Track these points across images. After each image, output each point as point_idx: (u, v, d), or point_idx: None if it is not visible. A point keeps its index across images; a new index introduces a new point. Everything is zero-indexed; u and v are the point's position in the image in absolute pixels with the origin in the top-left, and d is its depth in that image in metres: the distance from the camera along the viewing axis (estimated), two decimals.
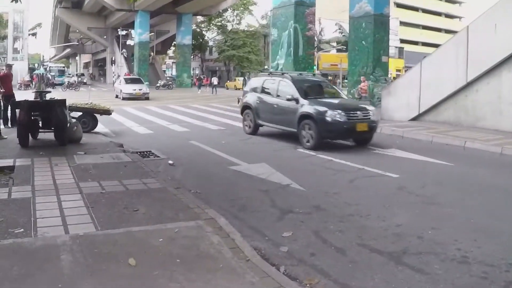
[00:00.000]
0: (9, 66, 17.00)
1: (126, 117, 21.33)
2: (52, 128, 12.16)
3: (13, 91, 15.92)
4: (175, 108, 28.04)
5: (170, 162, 10.92)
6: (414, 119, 19.93)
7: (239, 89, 62.02)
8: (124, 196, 7.19)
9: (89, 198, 7.00)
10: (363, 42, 27.53)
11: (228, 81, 71.83)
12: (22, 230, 5.61)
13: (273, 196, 8.31)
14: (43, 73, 16.53)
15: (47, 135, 12.61)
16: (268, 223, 6.78)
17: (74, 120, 13.34)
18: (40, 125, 12.43)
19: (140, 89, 36.57)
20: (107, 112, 16.26)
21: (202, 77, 60.30)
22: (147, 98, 36.00)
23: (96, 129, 15.76)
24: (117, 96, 37.66)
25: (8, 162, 9.61)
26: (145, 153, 12.10)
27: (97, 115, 15.88)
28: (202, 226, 5.93)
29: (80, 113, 15.43)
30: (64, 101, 12.88)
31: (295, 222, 6.87)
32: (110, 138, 14.30)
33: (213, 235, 5.61)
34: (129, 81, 39.21)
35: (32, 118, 12.00)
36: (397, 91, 21.16)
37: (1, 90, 14.98)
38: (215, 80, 54.40)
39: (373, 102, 21.74)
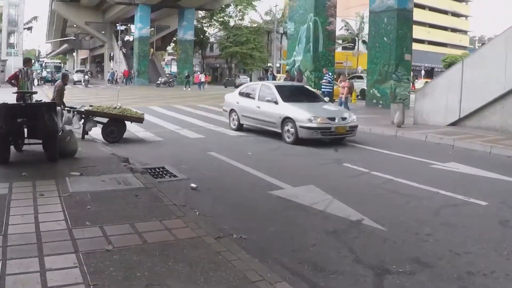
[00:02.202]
0: (27, 61, 13.91)
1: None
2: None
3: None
4: (181, 108, 25.46)
5: (193, 185, 8.42)
6: (453, 124, 17.69)
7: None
8: (143, 258, 4.64)
9: (89, 263, 4.45)
10: (384, 38, 25.50)
11: None
12: None
13: (349, 241, 5.98)
14: (27, 69, 13.92)
15: (36, 146, 9.99)
16: None
17: (68, 128, 10.79)
18: (26, 134, 9.81)
19: (343, 118, 14.31)
20: (139, 119, 13.90)
21: (192, 73, 58.19)
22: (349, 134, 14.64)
23: (94, 136, 13.39)
24: (240, 127, 16.59)
25: None
26: (158, 171, 9.63)
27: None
28: None
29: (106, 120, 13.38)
30: (54, 104, 10.24)
31: None
32: (111, 149, 11.71)
33: None
34: (296, 93, 16.31)
35: (14, 126, 9.37)
36: (434, 93, 18.79)
37: (17, 90, 12.27)
38: (202, 77, 52.11)
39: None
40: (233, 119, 16.92)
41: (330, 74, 23.71)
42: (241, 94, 17.00)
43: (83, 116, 13.09)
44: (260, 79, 48.12)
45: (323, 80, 23.48)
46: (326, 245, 5.84)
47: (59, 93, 13.24)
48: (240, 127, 16.52)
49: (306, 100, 15.53)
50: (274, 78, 34.30)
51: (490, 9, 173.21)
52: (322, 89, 23.31)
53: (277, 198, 7.94)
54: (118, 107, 13.71)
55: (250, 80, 69.53)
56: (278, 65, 66.40)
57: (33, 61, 71.04)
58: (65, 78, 14.24)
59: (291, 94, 15.69)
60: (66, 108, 12.92)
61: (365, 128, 17.20)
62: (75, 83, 54.87)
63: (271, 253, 5.44)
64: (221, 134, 15.95)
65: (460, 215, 7.30)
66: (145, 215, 6.04)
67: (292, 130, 13.89)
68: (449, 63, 67.92)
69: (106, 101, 17.50)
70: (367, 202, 7.81)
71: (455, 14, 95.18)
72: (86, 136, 12.95)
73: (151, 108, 24.65)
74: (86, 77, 53.17)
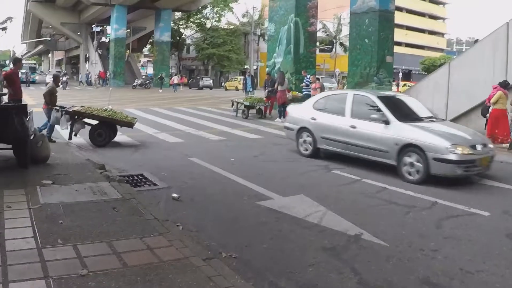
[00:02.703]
0: (18, 61, 13.04)
1: None
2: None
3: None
4: (158, 111, 24.65)
5: (175, 195, 7.80)
6: None
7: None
8: (123, 286, 4.02)
9: None
10: (365, 40, 24.94)
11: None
12: None
13: (350, 259, 5.46)
14: None
15: (6, 150, 9.28)
16: None
17: (40, 133, 10.10)
18: None
19: (484, 144, 10.03)
20: (129, 124, 13.30)
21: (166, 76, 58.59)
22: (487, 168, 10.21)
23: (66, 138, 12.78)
24: (316, 153, 11.99)
25: None
26: (136, 178, 9.01)
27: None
28: None
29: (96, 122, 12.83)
30: (24, 106, 9.51)
31: None
32: (85, 153, 11.02)
33: None
34: (408, 108, 11.41)
35: None
36: (420, 95, 18.35)
37: (9, 92, 11.39)
38: (176, 79, 51.77)
39: None
40: (305, 142, 12.27)
41: (308, 76, 23.25)
42: (317, 108, 12.28)
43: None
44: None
45: (303, 84, 23.00)
46: (326, 264, 5.30)
47: (49, 93, 12.74)
48: (316, 153, 12.02)
49: (423, 118, 10.95)
50: (252, 80, 33.07)
51: (466, 11, 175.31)
52: (303, 92, 22.85)
53: (267, 209, 7.38)
54: (109, 109, 13.14)
55: (222, 83, 69.26)
56: (255, 67, 65.92)
57: (7, 61, 69.79)
58: (56, 80, 13.90)
59: (404, 109, 11.16)
60: (55, 108, 12.51)
61: None
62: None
63: (267, 275, 4.89)
64: (201, 138, 15.33)
65: (464, 227, 6.86)
66: (124, 232, 5.42)
67: (418, 164, 9.55)
68: (427, 66, 68.25)
69: (84, 103, 16.77)
70: (363, 214, 7.32)
71: (432, 17, 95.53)
72: (57, 139, 12.38)
73: (127, 110, 23.67)
74: (64, 78, 51.47)
